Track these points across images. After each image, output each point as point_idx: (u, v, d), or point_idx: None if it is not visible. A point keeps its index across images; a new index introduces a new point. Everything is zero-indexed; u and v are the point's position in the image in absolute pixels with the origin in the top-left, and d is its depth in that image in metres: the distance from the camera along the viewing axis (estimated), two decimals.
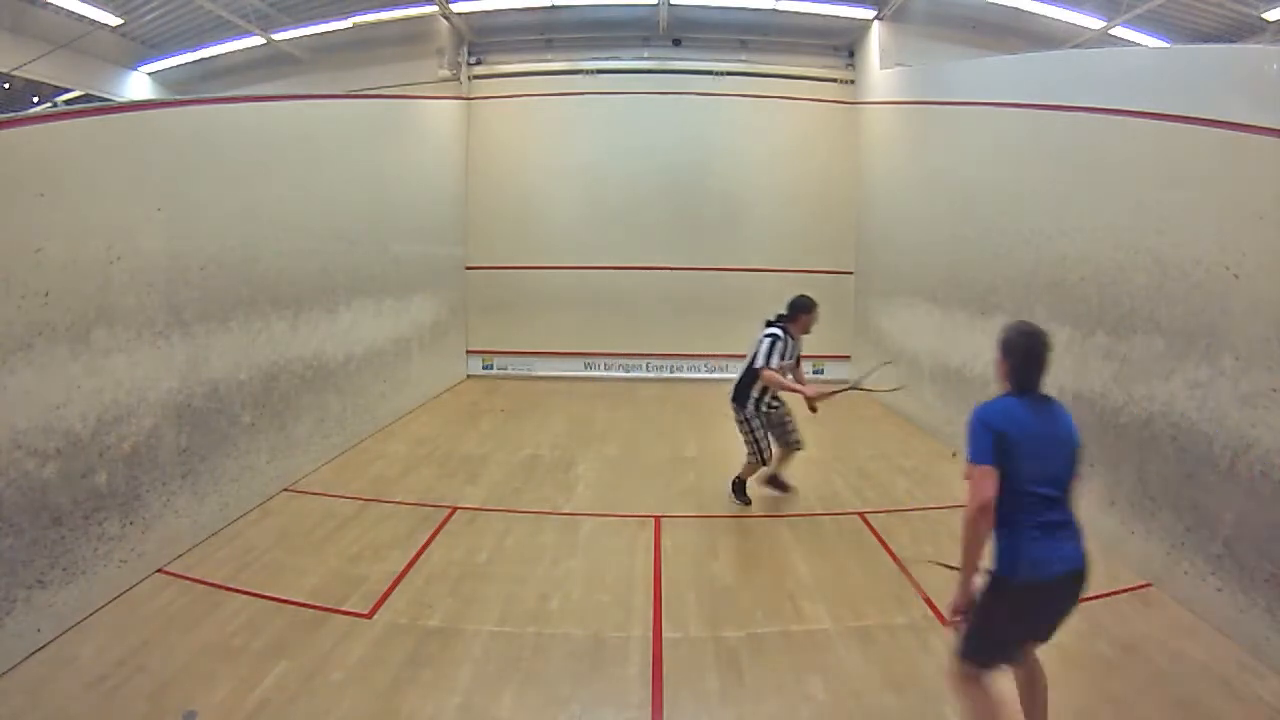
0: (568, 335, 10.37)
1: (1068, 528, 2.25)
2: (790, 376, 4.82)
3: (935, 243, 7.31)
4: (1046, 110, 5.26)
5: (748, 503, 5.12)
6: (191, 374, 4.24)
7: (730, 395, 4.96)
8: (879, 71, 9.34)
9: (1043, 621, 2.31)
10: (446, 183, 9.86)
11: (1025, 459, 2.21)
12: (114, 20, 9.26)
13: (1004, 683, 2.40)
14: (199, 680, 2.90)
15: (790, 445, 5.05)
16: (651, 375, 10.39)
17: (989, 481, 2.16)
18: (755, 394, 4.85)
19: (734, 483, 5.18)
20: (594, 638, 3.33)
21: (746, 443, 4.98)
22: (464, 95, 10.37)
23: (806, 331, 4.88)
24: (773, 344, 4.70)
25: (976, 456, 2.22)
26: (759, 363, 4.69)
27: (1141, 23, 8.71)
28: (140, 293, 3.82)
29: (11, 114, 3.56)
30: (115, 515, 3.60)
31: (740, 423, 4.96)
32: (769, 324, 4.84)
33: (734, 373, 5.00)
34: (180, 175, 4.25)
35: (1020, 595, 2.21)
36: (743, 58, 10.34)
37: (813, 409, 4.85)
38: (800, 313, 4.83)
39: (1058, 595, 2.25)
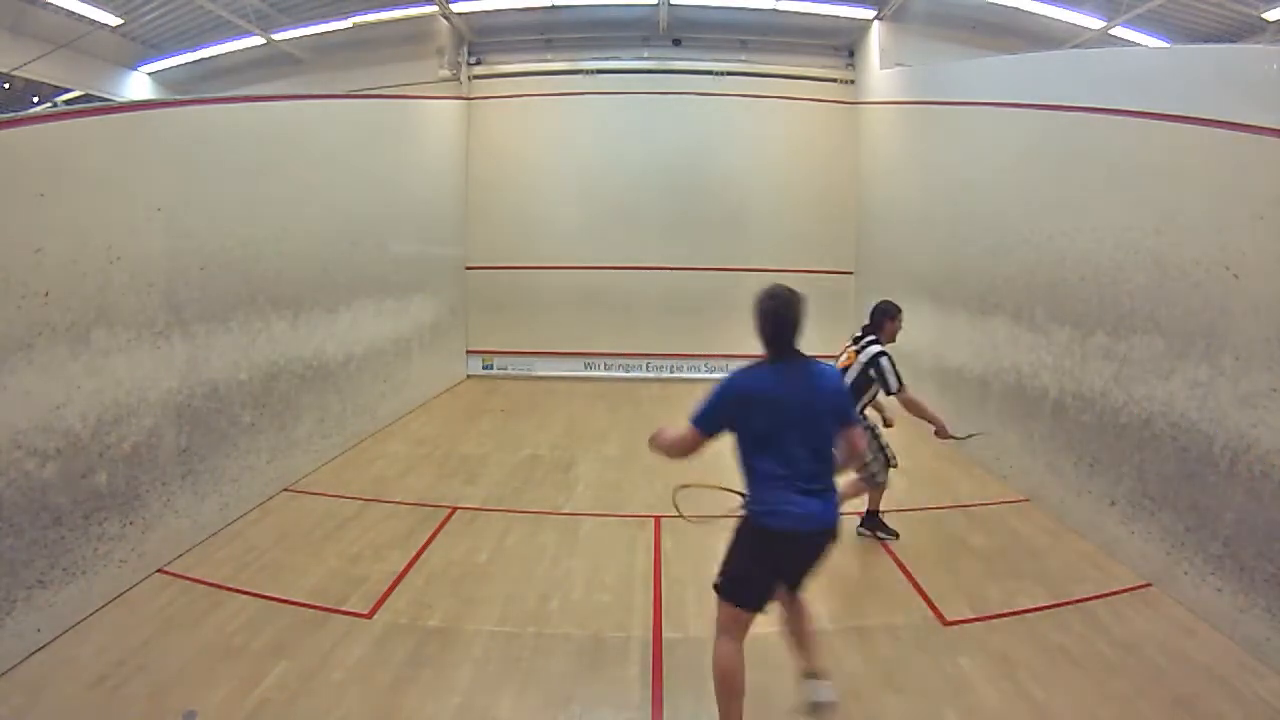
0: (568, 335, 10.37)
1: (812, 487, 2.35)
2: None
3: (935, 242, 7.32)
4: (1046, 110, 5.25)
5: (896, 534, 4.46)
6: (191, 374, 4.24)
7: None
8: (879, 71, 9.34)
9: (784, 567, 2.48)
10: (446, 183, 9.86)
11: (770, 423, 2.33)
12: (114, 20, 9.26)
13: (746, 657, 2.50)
14: (199, 680, 2.90)
15: (890, 464, 4.42)
16: (651, 375, 10.39)
17: (691, 443, 2.40)
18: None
19: (867, 517, 4.48)
20: (594, 638, 3.33)
21: (869, 462, 4.27)
22: (464, 95, 10.37)
23: (892, 340, 4.31)
24: (892, 362, 4.14)
25: (695, 419, 2.38)
26: (894, 387, 4.09)
27: (1141, 23, 8.70)
28: (140, 293, 3.82)
29: (11, 114, 3.55)
30: (115, 515, 3.60)
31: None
32: (867, 341, 4.23)
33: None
34: (180, 175, 4.25)
35: (759, 539, 2.39)
36: (743, 58, 10.34)
37: (942, 437, 4.19)
38: (887, 320, 4.30)
39: (796, 546, 2.42)
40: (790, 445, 2.34)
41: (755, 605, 2.45)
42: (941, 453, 6.31)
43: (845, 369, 4.15)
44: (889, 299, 4.36)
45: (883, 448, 4.36)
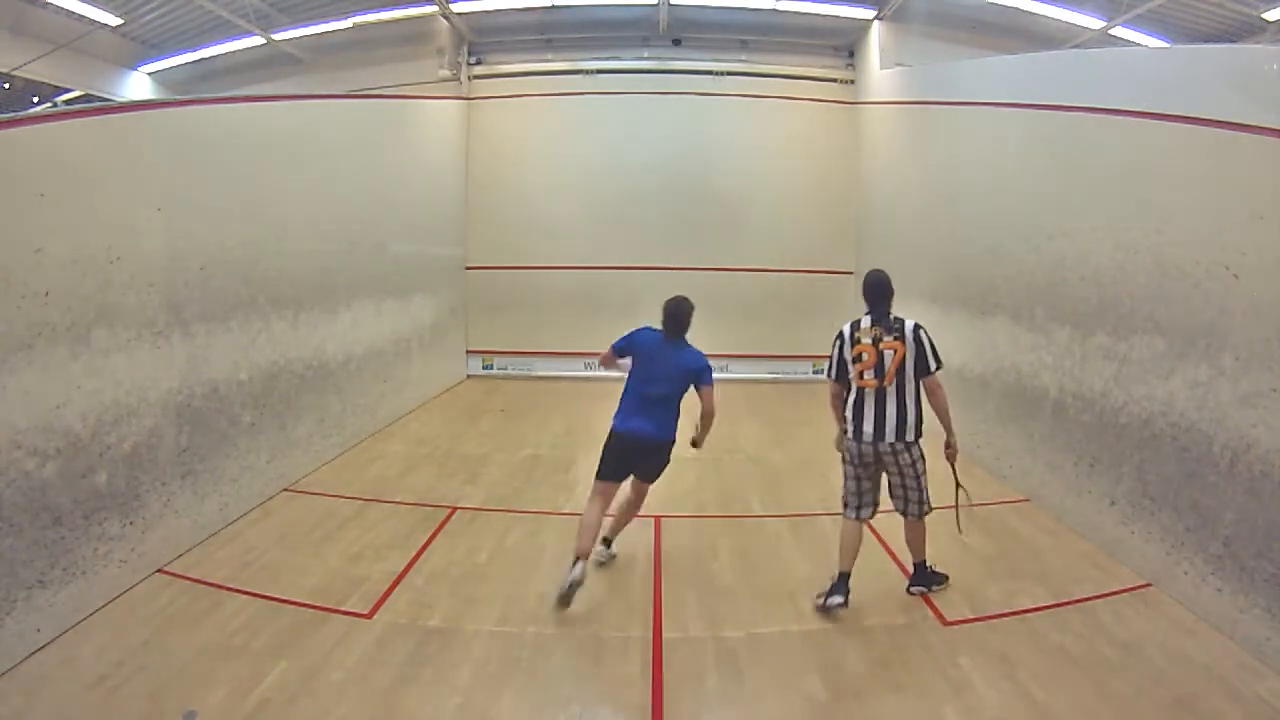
0: (568, 335, 10.34)
1: (653, 414, 3.75)
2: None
3: (935, 243, 7.32)
4: (1046, 110, 5.25)
5: (946, 579, 3.77)
6: (191, 374, 4.24)
7: (896, 433, 3.50)
8: (879, 71, 9.34)
9: (630, 459, 3.84)
10: (446, 183, 9.86)
11: (639, 368, 3.83)
12: (114, 20, 9.26)
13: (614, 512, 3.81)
14: (199, 680, 2.89)
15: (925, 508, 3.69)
16: None
17: (607, 357, 3.95)
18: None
19: (920, 569, 3.74)
20: (594, 637, 3.33)
21: (915, 493, 3.61)
22: (464, 95, 10.37)
23: None
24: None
25: (613, 344, 3.92)
26: (936, 364, 3.51)
27: (1141, 23, 8.71)
28: (140, 293, 3.82)
29: (11, 114, 3.55)
30: (115, 515, 3.59)
31: (914, 464, 3.58)
32: (896, 319, 3.55)
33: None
34: (180, 175, 4.25)
35: (612, 437, 3.84)
36: (743, 58, 10.34)
37: (951, 459, 3.68)
38: (892, 290, 3.64)
39: (630, 447, 3.79)
40: (649, 386, 3.76)
41: (606, 478, 3.82)
42: (940, 452, 6.30)
43: (902, 362, 3.48)
44: (878, 268, 3.73)
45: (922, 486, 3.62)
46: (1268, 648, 3.04)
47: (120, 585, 3.59)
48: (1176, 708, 2.78)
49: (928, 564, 3.76)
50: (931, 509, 3.67)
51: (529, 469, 6.01)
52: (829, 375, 3.73)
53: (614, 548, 4.11)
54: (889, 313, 3.60)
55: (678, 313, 3.85)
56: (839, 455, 3.74)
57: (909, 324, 3.53)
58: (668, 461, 3.89)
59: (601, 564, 4.00)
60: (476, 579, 3.93)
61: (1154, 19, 8.60)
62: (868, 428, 3.54)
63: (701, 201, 10.35)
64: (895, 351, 3.50)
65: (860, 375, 3.56)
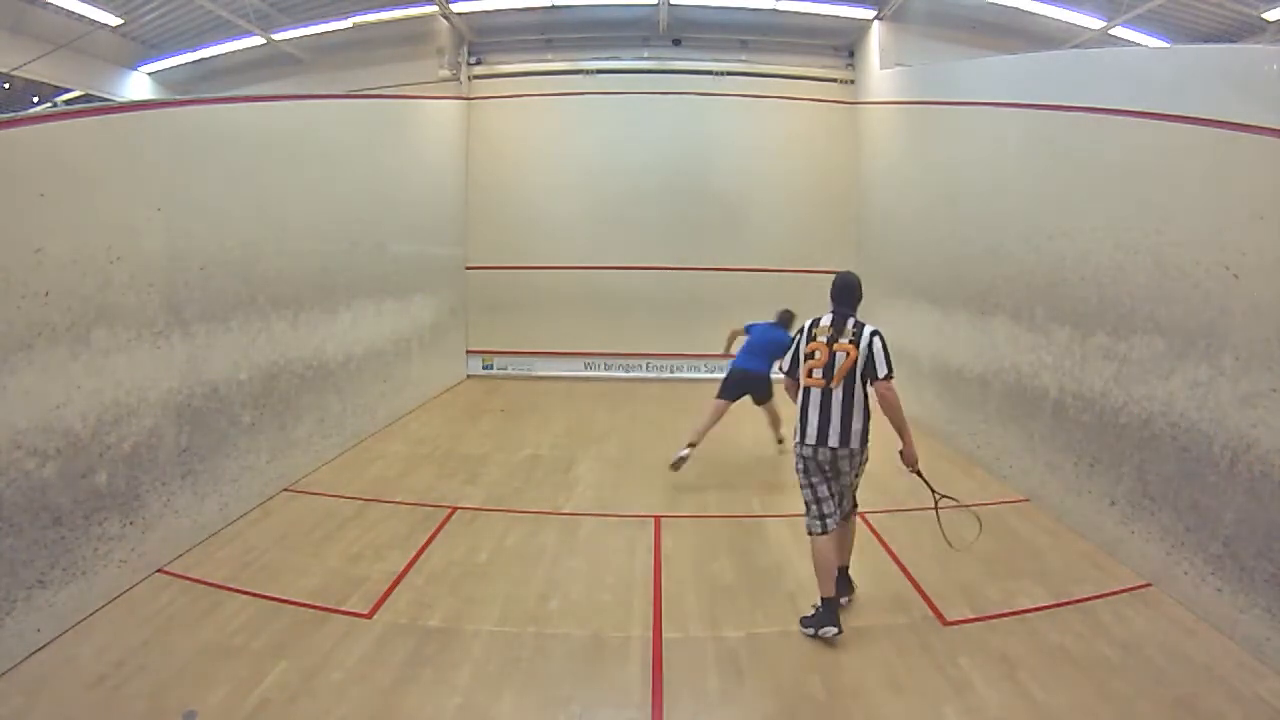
0: (568, 335, 10.37)
1: (759, 360, 6.00)
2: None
3: (935, 243, 7.32)
4: (1046, 110, 5.26)
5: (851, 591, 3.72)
6: (191, 374, 4.24)
7: (840, 438, 3.38)
8: (879, 71, 9.34)
9: (740, 385, 6.02)
10: (446, 183, 9.86)
11: (753, 338, 6.14)
12: (114, 20, 9.26)
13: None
14: (199, 680, 2.90)
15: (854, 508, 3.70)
16: (652, 375, 10.39)
17: (736, 332, 6.37)
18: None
19: (843, 573, 3.66)
20: (594, 638, 3.33)
21: (847, 498, 3.60)
22: (464, 95, 10.37)
23: None
24: (885, 341, 3.41)
25: (748, 325, 6.31)
26: (884, 370, 3.34)
27: (1141, 23, 8.71)
28: (140, 293, 3.82)
29: (11, 114, 3.56)
30: (115, 515, 3.60)
31: (854, 472, 3.54)
32: (855, 324, 3.45)
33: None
34: (180, 175, 4.25)
35: (734, 371, 6.06)
36: (743, 58, 10.34)
37: (910, 465, 3.53)
38: (860, 293, 3.58)
39: (744, 377, 6.00)
40: (758, 349, 6.04)
41: (723, 397, 5.93)
42: (940, 452, 6.31)
43: (852, 366, 3.37)
44: (849, 270, 3.72)
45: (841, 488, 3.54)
46: (1268, 648, 3.04)
47: (120, 585, 3.59)
48: (1176, 708, 2.78)
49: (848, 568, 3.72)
50: (856, 505, 3.67)
51: (529, 469, 6.01)
52: (785, 370, 3.66)
53: (689, 451, 5.65)
54: (852, 316, 3.50)
55: (786, 316, 6.33)
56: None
57: (867, 329, 3.41)
58: (771, 386, 5.98)
59: (682, 458, 5.56)
60: (476, 579, 3.93)
61: (1154, 19, 8.60)
62: (811, 431, 3.41)
63: (701, 201, 10.35)
64: (847, 354, 3.39)
65: (810, 373, 3.46)
